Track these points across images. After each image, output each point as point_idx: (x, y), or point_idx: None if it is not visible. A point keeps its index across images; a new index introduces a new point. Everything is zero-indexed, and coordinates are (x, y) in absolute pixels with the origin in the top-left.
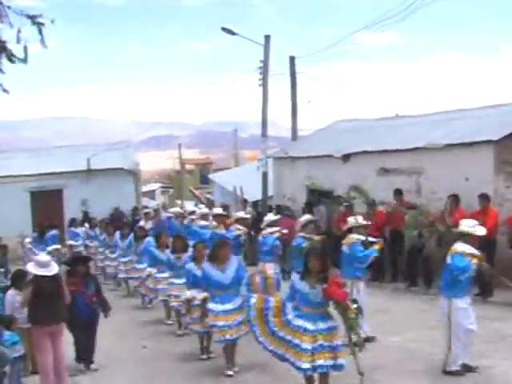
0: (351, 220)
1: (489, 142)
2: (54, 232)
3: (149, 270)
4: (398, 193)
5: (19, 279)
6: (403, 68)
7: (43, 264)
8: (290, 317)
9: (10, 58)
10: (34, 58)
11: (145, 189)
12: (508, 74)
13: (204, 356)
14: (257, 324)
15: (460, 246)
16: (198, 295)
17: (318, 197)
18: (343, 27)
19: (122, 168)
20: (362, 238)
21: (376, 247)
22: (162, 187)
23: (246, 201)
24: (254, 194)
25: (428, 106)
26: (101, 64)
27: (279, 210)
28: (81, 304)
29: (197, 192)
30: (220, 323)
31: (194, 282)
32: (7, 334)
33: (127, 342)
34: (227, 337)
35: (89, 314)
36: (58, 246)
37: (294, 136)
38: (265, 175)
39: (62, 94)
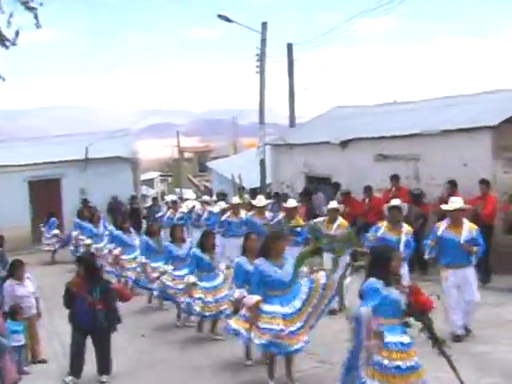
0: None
1: (487, 127)
2: (53, 219)
3: (164, 267)
4: (395, 178)
5: (17, 269)
6: (402, 54)
7: None
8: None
9: (4, 42)
10: (34, 47)
11: (144, 177)
12: (506, 59)
13: (249, 362)
14: None
15: None
16: (251, 298)
17: (315, 184)
18: (342, 13)
19: (120, 156)
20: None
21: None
22: (161, 175)
23: (240, 188)
24: (252, 181)
25: (427, 91)
26: (101, 52)
27: (277, 197)
28: (81, 308)
29: (195, 180)
30: (278, 327)
31: (245, 281)
32: (8, 322)
33: (126, 331)
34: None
35: (89, 321)
36: (58, 232)
37: (292, 123)
38: (263, 162)
39: (61, 83)
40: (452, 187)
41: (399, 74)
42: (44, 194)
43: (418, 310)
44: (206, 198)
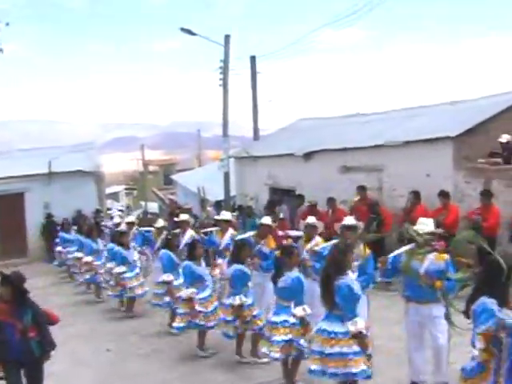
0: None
1: (447, 138)
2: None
3: (190, 290)
4: (361, 188)
5: None
6: (365, 65)
7: None
8: None
9: None
10: None
11: (109, 191)
12: (467, 70)
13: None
14: None
15: None
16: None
17: (279, 196)
18: (306, 25)
19: (83, 170)
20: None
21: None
22: (126, 189)
23: (203, 200)
24: (216, 194)
25: (390, 102)
26: (65, 66)
27: (241, 209)
28: (11, 338)
29: (160, 193)
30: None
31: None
32: None
33: (91, 345)
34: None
35: (22, 352)
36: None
37: (256, 135)
38: (227, 175)
39: (26, 97)
40: (415, 198)
41: (363, 85)
42: (7, 209)
43: None
44: (131, 218)
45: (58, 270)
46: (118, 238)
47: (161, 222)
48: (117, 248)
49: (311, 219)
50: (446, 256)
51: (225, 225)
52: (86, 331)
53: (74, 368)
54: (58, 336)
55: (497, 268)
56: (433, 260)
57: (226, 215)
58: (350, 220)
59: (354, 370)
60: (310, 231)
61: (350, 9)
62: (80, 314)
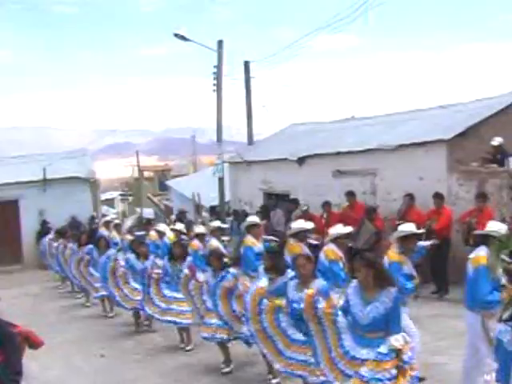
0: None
1: (441, 141)
2: None
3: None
4: (350, 194)
5: None
6: (359, 69)
7: None
8: None
9: None
10: None
11: (104, 197)
12: (460, 74)
13: None
14: None
15: None
16: None
17: (274, 200)
18: (299, 29)
19: (78, 177)
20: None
21: None
22: (122, 195)
23: (198, 206)
24: (211, 199)
25: (385, 106)
26: (58, 72)
27: (236, 214)
28: None
29: (155, 199)
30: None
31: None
32: None
33: (85, 351)
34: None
35: None
36: None
37: (250, 140)
38: (221, 180)
39: (19, 103)
40: (410, 201)
41: (357, 90)
42: (2, 216)
43: None
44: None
45: (54, 277)
46: (134, 247)
47: (201, 228)
48: (132, 259)
49: (253, 217)
50: None
51: (256, 230)
52: (80, 337)
53: (69, 374)
54: (53, 342)
55: None
56: None
57: (254, 218)
58: (409, 226)
59: None
60: (254, 230)
61: (341, 13)
62: (74, 319)
